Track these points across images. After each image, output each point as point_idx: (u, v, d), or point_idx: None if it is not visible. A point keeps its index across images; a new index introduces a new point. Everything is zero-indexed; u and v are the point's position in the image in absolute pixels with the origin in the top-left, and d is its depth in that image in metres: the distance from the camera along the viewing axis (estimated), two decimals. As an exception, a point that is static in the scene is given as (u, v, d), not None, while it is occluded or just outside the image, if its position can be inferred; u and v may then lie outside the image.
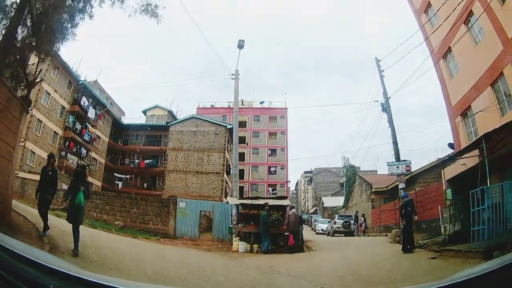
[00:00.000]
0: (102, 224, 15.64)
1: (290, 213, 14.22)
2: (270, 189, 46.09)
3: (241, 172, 40.82)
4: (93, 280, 1.44)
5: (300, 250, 13.51)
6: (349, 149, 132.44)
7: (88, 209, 16.79)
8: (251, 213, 14.83)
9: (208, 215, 19.07)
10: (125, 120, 41.22)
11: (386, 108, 18.33)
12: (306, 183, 72.74)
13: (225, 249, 13.86)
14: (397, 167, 16.50)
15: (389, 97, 18.42)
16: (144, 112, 43.18)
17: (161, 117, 41.22)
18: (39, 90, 25.21)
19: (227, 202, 16.91)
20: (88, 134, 31.28)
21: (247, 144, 46.39)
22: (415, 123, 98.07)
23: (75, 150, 29.68)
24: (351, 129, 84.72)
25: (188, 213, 16.97)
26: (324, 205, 47.67)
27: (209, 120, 36.22)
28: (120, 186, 34.15)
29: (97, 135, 33.27)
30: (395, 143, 17.55)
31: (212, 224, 17.33)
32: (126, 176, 35.63)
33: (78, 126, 29.93)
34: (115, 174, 35.73)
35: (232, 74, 18.82)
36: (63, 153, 27.99)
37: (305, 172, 71.74)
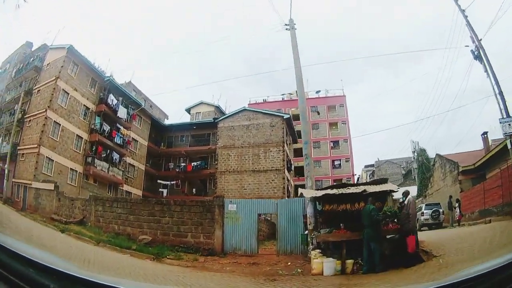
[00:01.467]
0: (122, 241, 13.67)
1: (406, 202, 9.51)
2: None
3: (302, 169, 40.33)
4: (93, 280, 1.65)
5: (419, 261, 8.78)
6: (419, 133, 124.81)
7: (108, 220, 16.02)
8: (339, 210, 10.23)
9: (269, 218, 15.63)
10: (168, 122, 41.11)
11: (478, 54, 16.42)
12: (368, 177, 72.64)
13: (298, 270, 9.81)
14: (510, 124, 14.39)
15: (481, 39, 16.49)
16: (188, 110, 42.47)
17: (207, 114, 40.30)
18: (54, 89, 24.33)
19: (300, 196, 12.74)
20: (120, 137, 30.12)
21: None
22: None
23: (104, 155, 28.58)
24: (420, 108, 77.89)
25: (240, 218, 13.58)
26: (393, 198, 43.29)
27: (263, 111, 34.70)
28: (165, 194, 32.44)
29: (132, 138, 32.33)
30: (501, 94, 15.33)
31: (276, 231, 13.87)
32: (172, 183, 34.33)
33: (107, 127, 28.84)
34: (158, 181, 34.74)
35: (286, 24, 16.38)
36: (89, 159, 26.78)
37: (366, 166, 72.97)
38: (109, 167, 28.28)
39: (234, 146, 32.57)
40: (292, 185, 34.67)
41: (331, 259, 9.20)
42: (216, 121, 34.50)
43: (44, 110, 24.15)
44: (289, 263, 10.81)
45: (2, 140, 30.87)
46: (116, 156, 29.64)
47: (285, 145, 32.46)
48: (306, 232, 11.94)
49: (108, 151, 29.10)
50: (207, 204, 14.50)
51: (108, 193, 27.90)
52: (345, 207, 10.20)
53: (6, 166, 24.59)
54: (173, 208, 14.74)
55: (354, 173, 49.67)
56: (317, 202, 11.38)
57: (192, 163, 34.65)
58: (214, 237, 13.42)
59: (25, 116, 26.84)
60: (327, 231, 10.41)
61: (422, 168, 35.57)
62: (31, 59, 30.63)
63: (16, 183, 25.38)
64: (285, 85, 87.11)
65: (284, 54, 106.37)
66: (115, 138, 29.51)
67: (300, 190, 12.88)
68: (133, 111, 32.06)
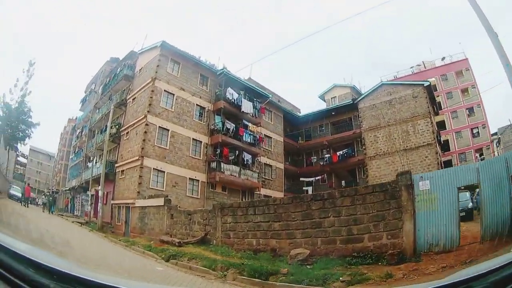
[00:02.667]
0: (262, 264, 10.60)
1: None
2: (478, 154, 45.31)
3: (446, 143, 42.42)
4: (93, 280, 1.74)
5: None
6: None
7: (241, 234, 14.20)
8: None
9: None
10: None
11: None
12: (495, 145, 67.10)
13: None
14: None
15: None
16: (322, 97, 44.43)
17: (343, 97, 41.22)
18: (152, 91, 24.24)
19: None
20: (250, 134, 30.04)
21: (445, 108, 46.56)
22: None
23: (233, 157, 28.44)
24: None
25: (436, 198, 10.49)
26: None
27: (402, 82, 35.13)
28: (310, 192, 31.45)
29: (264, 135, 32.60)
30: None
31: (480, 208, 10.42)
32: (316, 178, 34.85)
33: (231, 126, 28.61)
34: (301, 179, 35.55)
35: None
36: (213, 165, 26.56)
37: (492, 135, 67.87)
38: (240, 170, 28.24)
39: (380, 125, 32.73)
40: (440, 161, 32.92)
41: None
42: (355, 102, 35.08)
43: (143, 116, 23.94)
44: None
45: (96, 161, 31.81)
46: (247, 156, 29.67)
47: (432, 116, 31.90)
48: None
49: (237, 152, 29.21)
50: (389, 187, 11.34)
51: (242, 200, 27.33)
52: None
53: (100, 187, 24.63)
54: (340, 201, 11.54)
55: (492, 139, 50.23)
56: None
57: (338, 153, 34.96)
58: (403, 233, 10.43)
59: (120, 130, 26.93)
60: None
61: None
62: (119, 69, 32.07)
63: (116, 205, 25.35)
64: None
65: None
66: (244, 137, 29.45)
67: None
68: (260, 104, 32.15)
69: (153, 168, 23.24)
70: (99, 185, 25.04)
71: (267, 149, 33.30)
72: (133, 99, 27.43)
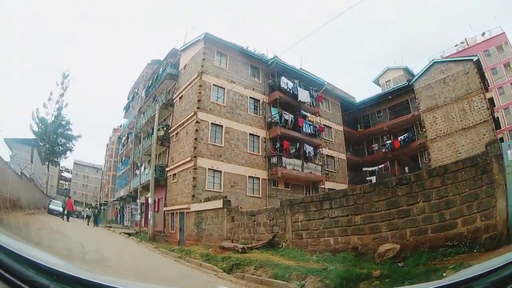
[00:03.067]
0: (348, 267, 9.68)
1: None
2: (527, 131, 44.93)
3: (496, 120, 40.21)
4: (93, 280, 1.79)
5: None
6: None
7: (316, 233, 12.97)
8: None
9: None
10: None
11: None
12: None
13: None
14: None
15: None
16: (376, 81, 45.24)
17: (398, 79, 41.72)
18: (200, 86, 24.22)
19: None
20: (309, 124, 29.59)
21: (491, 85, 44.97)
22: None
23: (293, 150, 28.00)
24: None
25: None
26: None
27: (452, 59, 34.89)
28: (373, 181, 30.02)
29: (324, 125, 32.15)
30: None
31: None
32: (379, 167, 35.00)
33: (289, 117, 28.07)
34: (364, 169, 35.60)
35: None
36: (274, 160, 26.06)
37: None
38: (302, 163, 27.60)
39: (437, 105, 32.52)
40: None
41: None
42: (410, 83, 34.88)
43: (193, 113, 23.70)
44: None
45: (144, 167, 31.69)
46: (309, 148, 29.04)
47: (484, 91, 31.67)
48: None
49: (298, 144, 28.76)
50: (479, 160, 9.77)
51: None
52: None
53: (150, 194, 24.35)
54: (428, 183, 10.13)
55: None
56: None
57: (398, 138, 34.85)
58: (496, 213, 9.01)
59: (169, 131, 26.65)
60: None
61: None
62: (161, 69, 32.54)
63: (169, 212, 24.96)
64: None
65: None
66: (303, 127, 28.97)
67: None
68: (316, 92, 31.67)
69: (208, 168, 22.79)
70: (149, 192, 24.90)
71: (327, 140, 32.99)
72: (180, 98, 27.29)
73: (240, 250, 14.37)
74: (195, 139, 22.78)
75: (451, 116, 31.73)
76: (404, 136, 34.42)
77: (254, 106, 27.33)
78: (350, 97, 40.90)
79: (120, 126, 59.38)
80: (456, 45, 53.31)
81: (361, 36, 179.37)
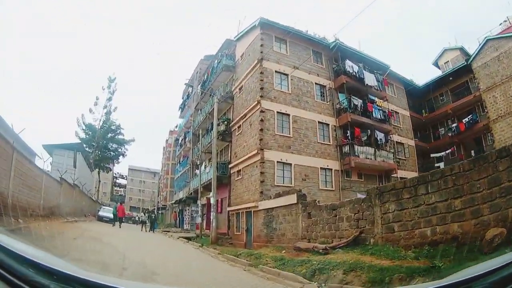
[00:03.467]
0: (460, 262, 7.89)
1: None
2: None
3: None
4: (93, 280, 1.76)
5: None
6: None
7: (411, 224, 11.22)
8: None
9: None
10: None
11: None
12: None
13: None
14: None
15: None
16: (435, 63, 43.47)
17: (455, 60, 40.14)
18: (261, 73, 23.68)
19: None
20: (379, 109, 28.64)
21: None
22: None
23: (365, 137, 27.06)
24: None
25: None
26: None
27: (504, 35, 33.07)
28: (441, 167, 28.61)
29: (391, 110, 31.13)
30: None
31: None
32: (446, 152, 34.28)
33: (358, 102, 27.03)
34: (431, 155, 35.18)
35: None
36: (346, 149, 24.96)
37: None
38: (375, 151, 26.63)
39: (495, 84, 31.44)
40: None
41: None
42: (469, 62, 33.90)
43: (256, 102, 22.81)
44: None
45: (204, 165, 31.06)
46: (380, 135, 28.08)
47: None
48: None
49: (368, 131, 27.69)
50: None
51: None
52: None
53: (212, 194, 23.10)
54: None
55: None
56: None
57: (463, 121, 34.03)
58: None
59: (230, 125, 25.85)
60: None
61: None
62: (216, 62, 32.18)
63: (234, 212, 23.97)
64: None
65: None
66: (373, 113, 28.01)
67: None
68: (381, 76, 30.75)
69: (277, 161, 21.57)
70: (211, 192, 23.70)
71: (396, 125, 31.93)
72: (239, 89, 26.39)
73: (321, 251, 12.72)
74: (261, 130, 21.61)
75: (509, 95, 30.87)
76: (468, 119, 33.85)
77: (321, 92, 26.14)
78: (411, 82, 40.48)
79: (176, 127, 59.61)
80: (500, 24, 52.11)
81: (410, 18, 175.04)
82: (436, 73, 41.49)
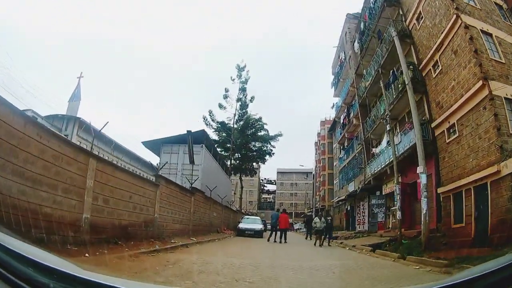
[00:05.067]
0: None
1: None
2: None
3: None
4: (93, 280, 1.82)
5: None
6: None
7: None
8: None
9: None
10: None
11: None
12: None
13: None
14: None
15: None
16: None
17: None
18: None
19: None
20: None
21: None
22: None
23: None
24: None
25: None
26: None
27: None
28: None
29: None
30: None
31: None
32: None
33: None
34: None
35: None
36: None
37: None
38: None
39: None
40: None
41: None
42: None
43: (454, 18, 16.42)
44: None
45: (389, 137, 23.48)
46: None
47: None
48: None
49: None
50: None
51: None
52: None
53: (420, 169, 15.96)
54: None
55: None
56: None
57: None
58: None
59: (419, 68, 19.25)
60: None
61: None
62: (371, 2, 27.70)
63: (450, 193, 16.49)
64: None
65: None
66: None
67: None
68: None
69: (504, 97, 13.90)
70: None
71: None
72: (417, 19, 20.30)
73: None
74: (475, 51, 14.50)
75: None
76: None
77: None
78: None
79: (333, 107, 50.27)
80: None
81: None
82: None
